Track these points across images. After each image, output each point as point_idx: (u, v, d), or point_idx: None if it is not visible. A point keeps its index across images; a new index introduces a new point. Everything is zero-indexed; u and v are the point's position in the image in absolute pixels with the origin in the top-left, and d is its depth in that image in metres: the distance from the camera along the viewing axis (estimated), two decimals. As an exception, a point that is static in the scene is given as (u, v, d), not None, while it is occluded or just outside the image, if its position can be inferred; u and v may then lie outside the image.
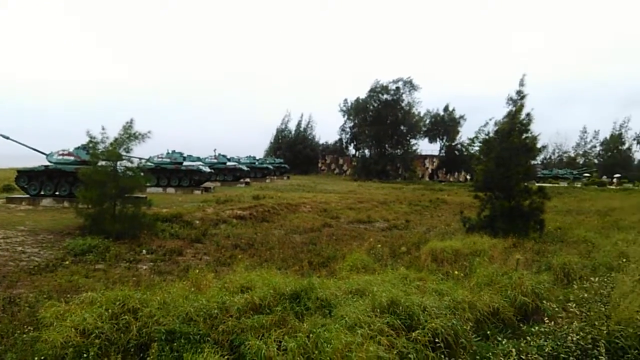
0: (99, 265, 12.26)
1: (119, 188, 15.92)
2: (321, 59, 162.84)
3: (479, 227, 17.80)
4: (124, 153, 16.47)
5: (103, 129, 16.44)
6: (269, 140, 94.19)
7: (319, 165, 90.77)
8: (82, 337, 5.79)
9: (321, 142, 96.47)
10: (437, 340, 6.05)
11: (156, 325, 6.12)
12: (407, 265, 12.24)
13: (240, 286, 8.04)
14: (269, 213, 23.65)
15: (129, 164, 16.80)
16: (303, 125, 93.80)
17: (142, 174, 17.46)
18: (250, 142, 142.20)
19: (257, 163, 54.44)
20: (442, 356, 5.85)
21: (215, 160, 44.33)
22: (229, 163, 45.63)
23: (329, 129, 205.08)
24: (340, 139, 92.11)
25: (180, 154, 35.69)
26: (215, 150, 46.77)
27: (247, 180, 45.67)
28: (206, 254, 14.60)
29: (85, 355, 5.51)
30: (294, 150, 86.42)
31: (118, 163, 16.35)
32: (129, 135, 16.47)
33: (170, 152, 35.73)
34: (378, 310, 6.84)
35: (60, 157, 24.32)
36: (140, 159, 18.69)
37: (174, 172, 34.42)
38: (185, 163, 35.10)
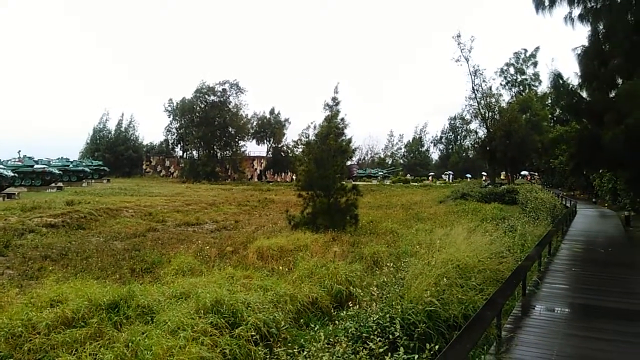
0: None
1: None
2: (141, 55, 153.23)
3: (303, 224, 18.90)
4: None
5: None
6: (85, 141, 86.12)
7: (144, 167, 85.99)
8: None
9: (145, 142, 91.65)
10: (253, 334, 6.40)
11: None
12: (234, 265, 12.51)
13: (50, 300, 7.41)
14: (85, 219, 21.78)
15: None
16: (124, 125, 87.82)
17: None
18: (63, 143, 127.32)
19: (71, 166, 49.78)
20: (259, 348, 6.21)
21: (20, 163, 39.51)
22: (36, 166, 41.02)
23: (153, 129, 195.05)
24: (167, 140, 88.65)
25: (-27, 156, 30.87)
26: (19, 152, 41.65)
27: (60, 184, 41.46)
28: (9, 268, 12.95)
29: None
30: (115, 152, 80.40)
31: None
32: None
33: (-40, 154, 30.68)
34: (202, 311, 6.95)
35: None
36: None
37: (-35, 177, 29.67)
38: (-21, 167, 30.48)
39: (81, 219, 21.59)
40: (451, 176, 77.61)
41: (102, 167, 59.20)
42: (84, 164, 55.57)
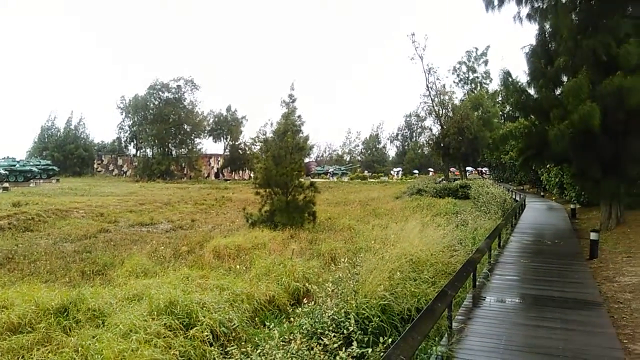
0: None
1: None
2: (91, 52, 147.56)
3: (261, 222, 18.80)
4: None
5: None
6: (33, 139, 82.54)
7: (95, 166, 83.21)
8: None
9: (97, 141, 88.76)
10: (208, 334, 6.33)
11: None
12: (190, 265, 12.32)
13: (-7, 307, 7.10)
14: (33, 221, 20.91)
15: None
16: (74, 123, 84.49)
17: None
18: (9, 142, 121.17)
19: (17, 165, 47.77)
20: (213, 348, 6.15)
21: (-39, 164, 37.54)
22: (-21, 167, 39.07)
23: (105, 127, 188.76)
24: (119, 138, 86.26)
25: None
26: (-40, 151, 39.49)
27: (6, 185, 39.68)
28: (-51, 274, 12.28)
29: None
30: (64, 151, 77.35)
31: None
32: None
33: None
34: (156, 313, 6.80)
35: None
36: None
37: None
38: None
39: (29, 221, 20.72)
40: (401, 172, 79.43)
41: (50, 167, 56.96)
42: (31, 163, 53.37)
